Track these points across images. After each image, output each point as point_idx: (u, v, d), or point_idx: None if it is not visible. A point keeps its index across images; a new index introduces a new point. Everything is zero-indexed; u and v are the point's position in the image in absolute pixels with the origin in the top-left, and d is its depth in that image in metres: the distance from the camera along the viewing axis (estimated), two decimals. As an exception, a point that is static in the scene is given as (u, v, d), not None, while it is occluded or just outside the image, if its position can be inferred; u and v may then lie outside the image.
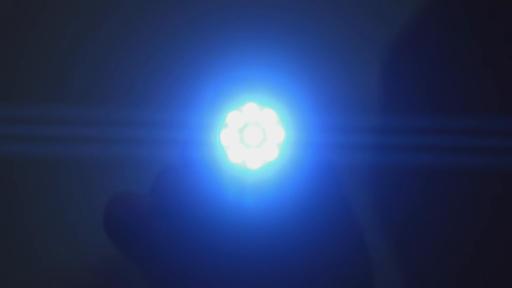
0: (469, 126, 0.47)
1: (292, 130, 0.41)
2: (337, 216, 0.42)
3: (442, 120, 0.47)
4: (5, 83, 0.49)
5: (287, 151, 0.41)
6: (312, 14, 0.48)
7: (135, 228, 0.41)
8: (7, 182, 0.49)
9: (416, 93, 0.48)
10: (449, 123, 0.47)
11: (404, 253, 0.48)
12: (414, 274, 0.48)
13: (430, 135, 0.47)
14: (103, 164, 0.49)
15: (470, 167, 0.47)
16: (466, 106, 0.48)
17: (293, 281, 0.41)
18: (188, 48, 0.48)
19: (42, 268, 0.48)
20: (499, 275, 0.47)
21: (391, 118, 0.47)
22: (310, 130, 0.41)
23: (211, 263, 0.41)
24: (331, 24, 0.48)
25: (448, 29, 0.48)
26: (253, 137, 0.41)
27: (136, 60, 0.48)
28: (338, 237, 0.42)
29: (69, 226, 0.48)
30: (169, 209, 0.41)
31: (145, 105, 0.48)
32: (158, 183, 0.42)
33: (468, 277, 0.47)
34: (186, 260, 0.41)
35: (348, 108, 0.47)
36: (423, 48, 0.48)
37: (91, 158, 0.48)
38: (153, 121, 0.47)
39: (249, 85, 0.41)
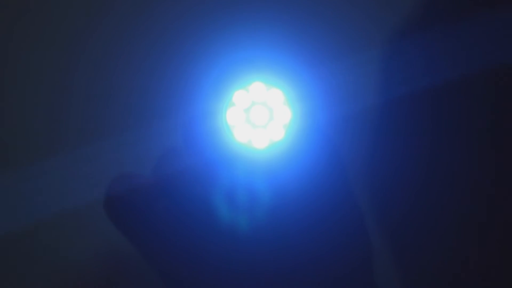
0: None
1: (299, 111, 0.41)
2: (341, 197, 0.42)
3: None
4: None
5: (294, 131, 0.41)
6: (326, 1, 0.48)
7: (137, 208, 0.41)
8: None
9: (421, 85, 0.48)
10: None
11: (402, 246, 0.49)
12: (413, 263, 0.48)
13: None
14: (108, 146, 0.48)
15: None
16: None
17: (295, 260, 0.41)
18: (195, 27, 0.47)
19: (43, 266, 0.48)
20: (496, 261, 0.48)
21: (396, 100, 0.47)
22: (316, 111, 0.41)
23: (215, 244, 0.41)
24: (340, 5, 0.48)
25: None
26: (259, 117, 0.41)
27: (144, 41, 0.48)
28: (340, 218, 0.42)
29: (71, 222, 0.48)
30: (173, 189, 0.41)
31: (152, 85, 0.48)
32: (161, 163, 0.42)
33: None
34: (188, 242, 0.41)
35: (355, 90, 0.47)
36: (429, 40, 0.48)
37: (97, 139, 0.48)
38: (159, 100, 0.47)
39: (256, 64, 0.41)
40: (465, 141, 0.48)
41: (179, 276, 0.41)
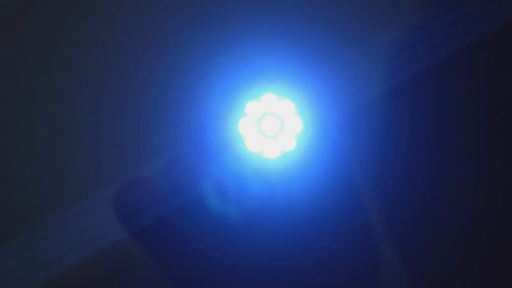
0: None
1: (310, 121, 0.42)
2: (350, 207, 0.43)
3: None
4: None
5: (305, 141, 0.41)
6: (332, 4, 0.49)
7: (147, 212, 0.42)
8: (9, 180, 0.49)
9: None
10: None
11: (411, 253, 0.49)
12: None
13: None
14: (116, 149, 0.49)
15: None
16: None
17: (304, 268, 0.42)
18: (208, 38, 0.48)
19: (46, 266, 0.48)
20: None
21: (405, 109, 0.48)
22: (327, 121, 0.42)
23: (224, 250, 0.41)
24: (352, 15, 0.48)
25: None
26: (271, 127, 0.42)
27: (156, 51, 0.49)
28: (349, 228, 0.43)
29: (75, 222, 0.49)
30: (183, 195, 0.42)
31: (164, 95, 0.48)
32: (172, 168, 0.43)
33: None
34: (198, 247, 0.42)
35: (365, 101, 0.48)
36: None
37: (104, 142, 0.49)
38: (171, 110, 0.48)
39: (268, 75, 0.42)
40: (474, 142, 0.48)
41: (188, 278, 0.42)
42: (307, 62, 0.47)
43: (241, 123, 0.41)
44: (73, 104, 0.50)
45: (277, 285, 0.42)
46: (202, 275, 0.42)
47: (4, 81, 0.50)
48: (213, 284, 0.42)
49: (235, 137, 0.41)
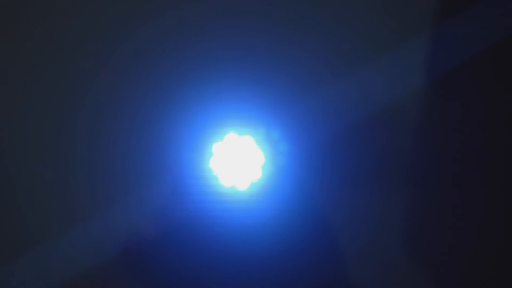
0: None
1: (271, 152, 0.47)
2: (313, 223, 0.49)
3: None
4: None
5: (269, 171, 0.47)
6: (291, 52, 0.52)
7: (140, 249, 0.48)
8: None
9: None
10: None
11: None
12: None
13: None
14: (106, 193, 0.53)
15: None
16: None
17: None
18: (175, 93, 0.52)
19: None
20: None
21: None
22: (286, 152, 0.47)
23: (204, 274, 0.47)
24: (316, 57, 0.51)
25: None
26: (238, 162, 0.47)
27: (136, 109, 0.52)
28: (314, 241, 0.49)
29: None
30: (175, 233, 0.47)
31: (147, 145, 0.52)
32: (163, 212, 0.48)
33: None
34: (182, 270, 0.47)
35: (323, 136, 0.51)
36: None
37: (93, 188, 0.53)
38: (150, 157, 0.52)
39: (228, 118, 0.47)
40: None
41: None
42: (265, 102, 0.51)
43: (211, 162, 0.47)
44: (73, 155, 0.53)
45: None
46: None
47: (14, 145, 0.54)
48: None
49: (208, 175, 0.47)
